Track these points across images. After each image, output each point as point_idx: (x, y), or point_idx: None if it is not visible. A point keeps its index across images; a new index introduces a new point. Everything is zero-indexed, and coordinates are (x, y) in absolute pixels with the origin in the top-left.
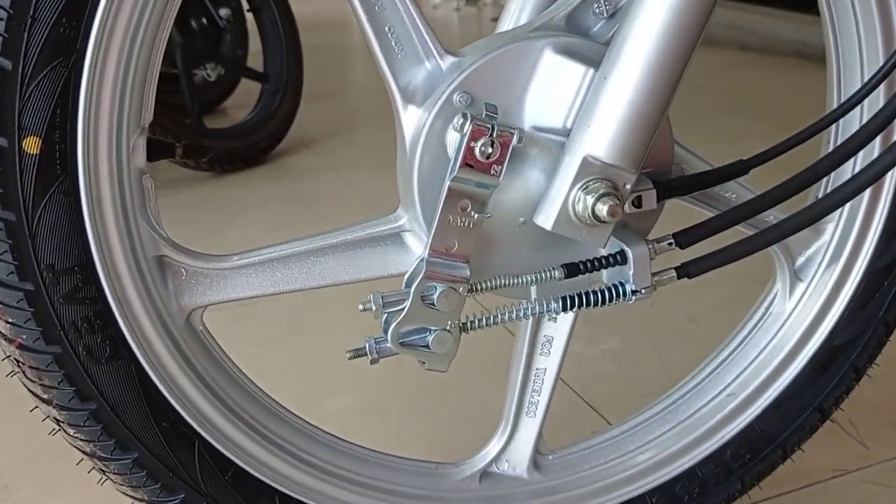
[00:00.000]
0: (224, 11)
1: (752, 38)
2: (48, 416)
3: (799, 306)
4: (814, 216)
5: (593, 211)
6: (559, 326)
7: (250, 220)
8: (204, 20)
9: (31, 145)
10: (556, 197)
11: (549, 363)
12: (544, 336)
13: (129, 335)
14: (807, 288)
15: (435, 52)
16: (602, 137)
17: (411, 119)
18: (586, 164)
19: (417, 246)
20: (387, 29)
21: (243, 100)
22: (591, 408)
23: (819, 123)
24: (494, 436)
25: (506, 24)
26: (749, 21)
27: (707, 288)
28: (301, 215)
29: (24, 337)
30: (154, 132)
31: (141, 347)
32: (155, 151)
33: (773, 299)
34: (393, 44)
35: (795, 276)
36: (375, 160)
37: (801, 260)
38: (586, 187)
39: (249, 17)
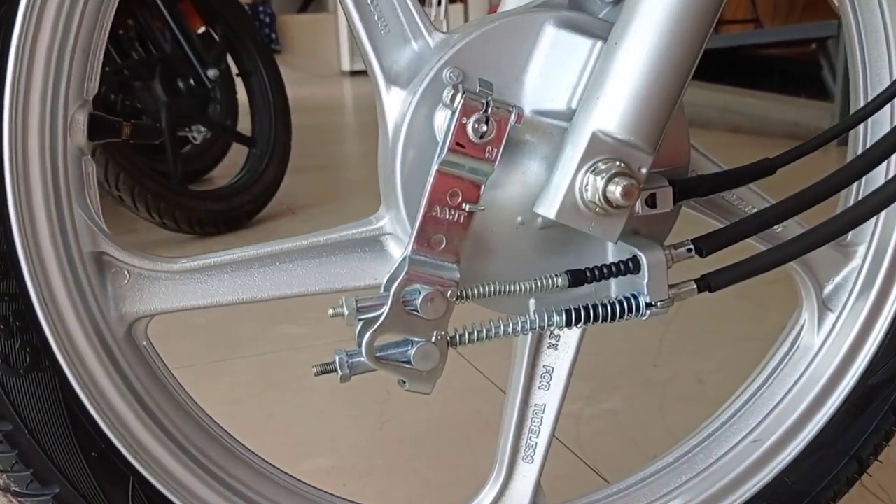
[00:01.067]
0: (212, 72)
1: (744, 120)
2: None
3: (829, 340)
4: (845, 225)
5: (604, 194)
6: (560, 355)
7: None
8: (191, 81)
9: None
10: (560, 180)
11: (548, 399)
12: (543, 367)
13: (55, 343)
14: (837, 319)
15: (423, 30)
16: (613, 110)
17: (395, 102)
18: (596, 141)
19: (398, 252)
20: (370, 2)
21: (230, 171)
22: (592, 469)
23: (846, 122)
24: (486, 485)
25: (509, 7)
26: (741, 104)
27: (714, 348)
28: None
29: None
30: (133, 195)
31: (68, 358)
32: (98, 129)
33: (801, 332)
34: (376, 19)
35: (824, 306)
36: None
37: (829, 287)
38: (595, 168)
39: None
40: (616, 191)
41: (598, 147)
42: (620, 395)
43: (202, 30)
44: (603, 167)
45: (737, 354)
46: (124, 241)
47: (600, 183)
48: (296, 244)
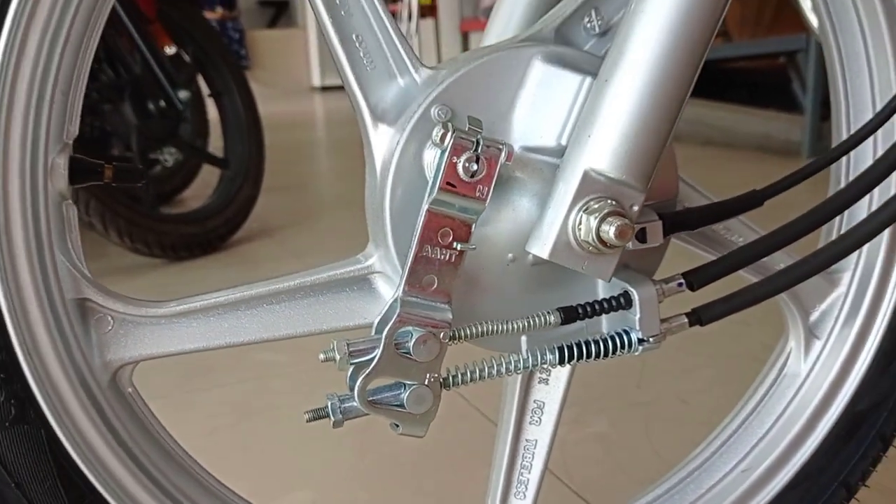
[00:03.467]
0: (183, 94)
1: (715, 132)
2: None
3: (816, 367)
4: (834, 256)
5: (598, 234)
6: (551, 390)
7: None
8: (162, 103)
9: None
10: (553, 220)
11: (540, 434)
12: (534, 402)
13: (40, 394)
14: (824, 346)
15: (410, 65)
16: (605, 148)
17: (382, 140)
18: (588, 180)
19: (388, 291)
20: (354, 38)
21: (202, 192)
22: (579, 497)
23: (830, 155)
24: None
25: (490, 41)
26: (713, 117)
27: (697, 367)
28: None
29: None
30: (104, 220)
31: (54, 410)
32: (80, 173)
33: (787, 359)
34: (361, 55)
35: (810, 333)
36: (340, 246)
37: (815, 314)
38: (588, 207)
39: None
40: (610, 231)
41: (591, 186)
42: (605, 418)
43: (172, 51)
44: (596, 206)
45: (720, 373)
46: (107, 285)
47: (594, 223)
48: (283, 285)
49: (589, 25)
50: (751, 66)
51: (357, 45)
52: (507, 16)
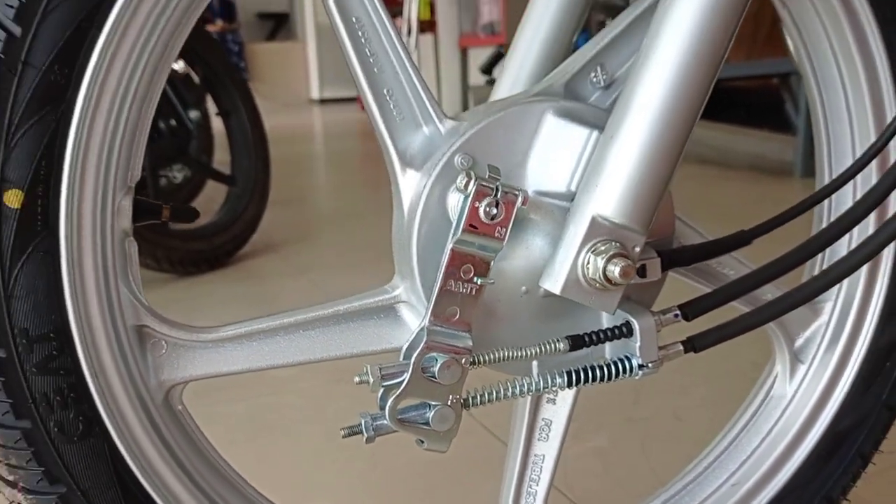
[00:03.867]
0: (194, 114)
1: (711, 152)
2: (12, 502)
3: (801, 389)
4: (818, 289)
5: (604, 273)
6: (558, 409)
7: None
8: (173, 122)
9: (13, 199)
10: (564, 259)
11: (547, 449)
12: (542, 420)
13: (104, 411)
14: (808, 370)
15: (434, 116)
16: (611, 197)
17: (410, 183)
18: (595, 225)
19: (413, 319)
20: (385, 92)
21: (208, 206)
22: None
23: (813, 197)
24: None
25: (502, 93)
26: (709, 136)
27: (691, 385)
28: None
29: None
30: None
31: (116, 426)
32: (141, 212)
33: (774, 382)
34: (392, 107)
35: (795, 358)
36: (342, 261)
37: (800, 341)
38: (595, 249)
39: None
40: (615, 270)
41: (598, 230)
42: (605, 433)
43: (180, 66)
44: (602, 248)
45: (713, 391)
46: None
47: (601, 263)
48: (317, 313)
49: (595, 80)
50: (746, 85)
51: (388, 98)
52: (517, 68)
